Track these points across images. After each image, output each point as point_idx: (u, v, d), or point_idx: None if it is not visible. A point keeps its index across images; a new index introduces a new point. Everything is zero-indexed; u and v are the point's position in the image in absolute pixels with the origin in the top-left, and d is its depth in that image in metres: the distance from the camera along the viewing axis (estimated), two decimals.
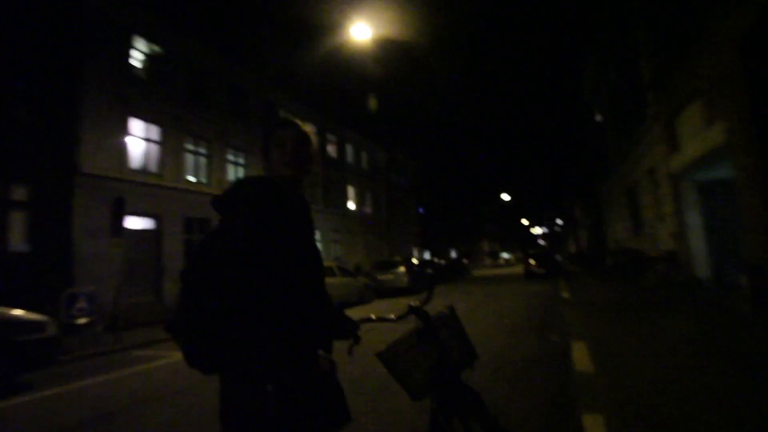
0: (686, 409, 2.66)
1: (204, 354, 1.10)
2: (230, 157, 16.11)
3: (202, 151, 14.90)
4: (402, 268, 15.95)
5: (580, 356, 4.26)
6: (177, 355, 6.32)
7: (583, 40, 21.12)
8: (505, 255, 55.91)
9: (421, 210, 37.93)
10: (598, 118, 20.50)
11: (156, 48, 13.47)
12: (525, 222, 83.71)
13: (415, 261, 19.16)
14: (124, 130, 11.92)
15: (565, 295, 10.72)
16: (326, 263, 10.32)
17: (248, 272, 1.08)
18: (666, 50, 9.11)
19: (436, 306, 1.74)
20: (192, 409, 3.65)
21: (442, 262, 20.64)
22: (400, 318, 1.69)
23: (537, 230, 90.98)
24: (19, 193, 10.54)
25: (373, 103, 29.75)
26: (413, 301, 1.69)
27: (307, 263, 1.24)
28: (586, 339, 5.00)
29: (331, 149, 24.20)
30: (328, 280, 5.69)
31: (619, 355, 4.21)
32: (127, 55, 12.53)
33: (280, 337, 1.11)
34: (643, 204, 13.48)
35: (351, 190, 25.80)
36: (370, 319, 1.69)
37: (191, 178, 14.28)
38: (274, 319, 1.10)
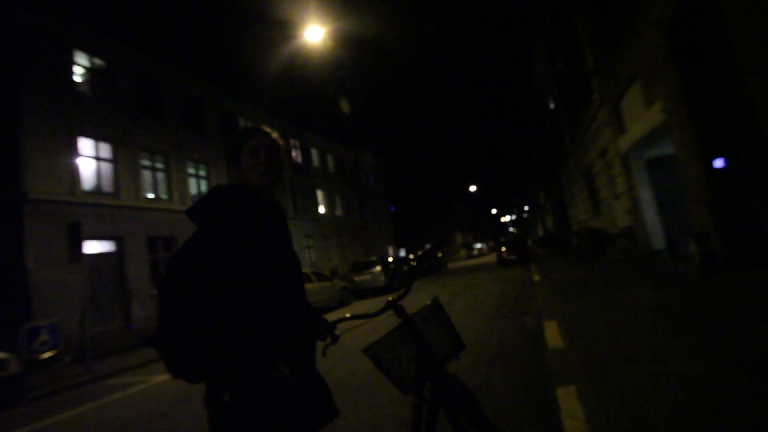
0: (649, 372, 2.87)
1: (189, 362, 1.10)
2: (190, 170, 15.62)
3: (159, 165, 14.36)
4: (378, 268, 16.02)
5: (552, 334, 4.47)
6: (152, 380, 6.10)
7: (530, 29, 21.92)
8: (478, 245, 57.15)
9: (392, 208, 38.18)
10: (552, 105, 21.36)
11: (98, 61, 12.85)
12: (494, 211, 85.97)
13: (390, 259, 19.30)
14: (72, 150, 11.31)
15: (537, 277, 11.14)
16: (302, 269, 10.20)
17: (226, 279, 1.09)
18: (604, 36, 9.64)
19: (424, 299, 1.79)
20: None
21: (416, 254, 20.75)
22: (377, 314, 1.70)
23: (506, 218, 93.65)
24: None
25: (335, 104, 29.64)
26: (390, 297, 1.72)
27: (285, 268, 1.24)
28: (557, 317, 5.25)
29: (296, 155, 23.93)
30: (306, 286, 5.65)
31: (588, 329, 4.45)
32: (68, 71, 11.88)
33: (243, 346, 1.10)
34: (599, 184, 14.20)
35: (320, 194, 25.62)
36: (345, 318, 1.71)
37: (150, 195, 13.74)
38: (241, 327, 1.10)
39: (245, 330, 1.10)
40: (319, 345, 1.44)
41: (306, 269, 13.37)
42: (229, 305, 1.09)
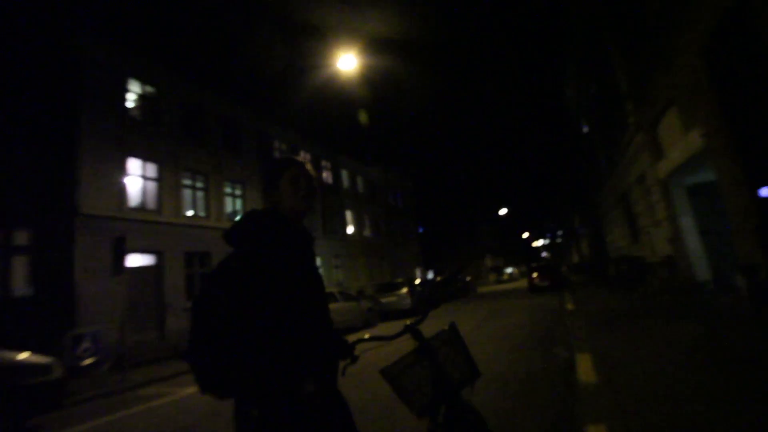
0: (690, 415, 2.69)
1: (218, 377, 1.16)
2: (227, 189, 16.33)
3: (199, 185, 15.13)
4: (404, 290, 15.90)
5: (585, 368, 4.27)
6: (182, 392, 6.28)
7: (562, 53, 21.79)
8: (508, 270, 55.59)
9: (420, 230, 38.02)
10: (585, 129, 20.92)
11: (149, 89, 13.90)
12: (526, 235, 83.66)
13: (417, 281, 19.11)
14: (122, 170, 12.16)
15: (570, 306, 10.69)
16: (328, 289, 10.36)
17: (256, 299, 1.18)
18: (639, 60, 9.45)
19: (442, 324, 1.82)
20: None
21: (437, 278, 20.47)
22: (394, 337, 1.75)
23: (539, 243, 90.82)
24: (21, 238, 10.64)
25: (365, 125, 30.32)
26: (408, 321, 1.76)
27: (311, 290, 1.34)
28: (590, 350, 5.02)
29: (327, 176, 24.50)
30: (331, 305, 5.73)
31: (623, 364, 4.23)
32: (123, 98, 12.91)
33: (270, 362, 1.17)
34: (638, 211, 13.62)
35: (349, 215, 25.96)
36: (363, 339, 1.77)
37: (189, 213, 14.43)
38: (267, 345, 1.17)
39: (273, 348, 1.17)
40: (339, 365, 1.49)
41: (333, 289, 13.48)
42: (258, 324, 1.17)
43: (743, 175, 5.74)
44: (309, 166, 1.48)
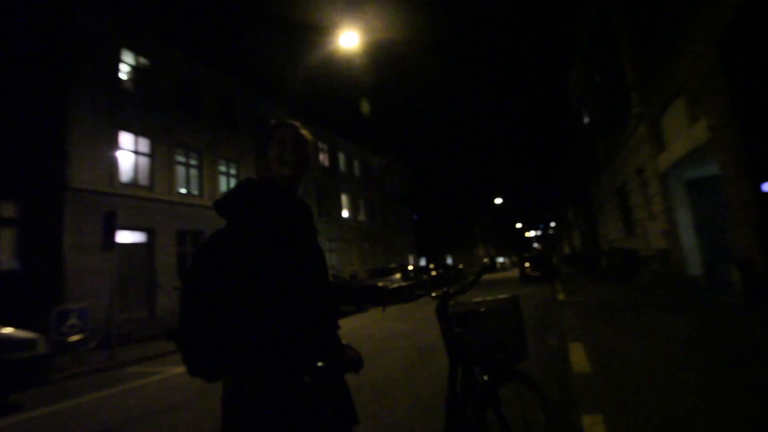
0: (685, 406, 2.67)
1: (209, 359, 1.08)
2: (222, 168, 16.05)
3: (193, 162, 14.83)
4: (398, 275, 15.91)
5: (578, 357, 4.26)
6: (171, 371, 6.22)
7: (567, 43, 21.49)
8: (500, 259, 55.99)
9: (415, 217, 37.99)
10: (586, 119, 20.78)
11: (144, 60, 13.45)
12: (519, 225, 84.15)
13: (410, 267, 19.14)
14: (113, 144, 11.83)
15: (562, 296, 10.75)
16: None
17: (256, 271, 1.07)
18: (647, 50, 9.28)
19: (531, 293, 1.87)
20: (188, 426, 3.59)
21: (432, 273, 20.55)
22: (420, 296, 1.86)
23: (531, 233, 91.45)
24: (8, 210, 10.38)
25: (364, 110, 29.94)
26: (447, 289, 1.84)
27: (311, 264, 1.23)
28: (583, 340, 5.01)
29: (324, 158, 24.23)
30: None
31: (616, 354, 4.22)
32: (116, 69, 12.49)
33: (263, 346, 1.06)
34: (634, 203, 13.63)
35: (345, 199, 25.80)
36: (401, 288, 1.89)
37: (182, 190, 14.18)
38: (263, 326, 1.06)
39: (270, 329, 1.06)
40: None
41: None
42: (252, 303, 1.05)
43: (747, 169, 5.69)
44: (304, 131, 1.34)
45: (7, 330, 4.71)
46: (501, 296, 1.86)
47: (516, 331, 1.78)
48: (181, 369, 6.11)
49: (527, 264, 20.74)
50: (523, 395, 1.78)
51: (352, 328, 8.77)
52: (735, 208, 6.37)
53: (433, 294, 1.86)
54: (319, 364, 1.09)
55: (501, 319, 1.79)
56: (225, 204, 1.21)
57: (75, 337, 7.03)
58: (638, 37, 10.02)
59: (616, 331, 5.46)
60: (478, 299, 1.87)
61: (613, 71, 12.81)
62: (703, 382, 3.08)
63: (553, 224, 72.01)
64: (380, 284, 14.74)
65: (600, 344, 4.71)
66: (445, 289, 1.82)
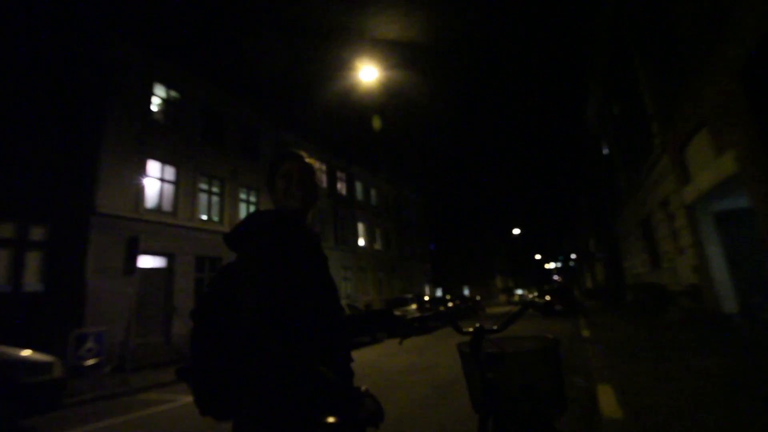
0: None
1: (219, 398, 1.05)
2: (242, 196, 16.42)
3: (215, 190, 15.24)
4: (414, 306, 15.60)
5: (607, 400, 3.99)
6: (183, 399, 6.11)
7: (585, 73, 21.63)
8: (519, 291, 54.53)
9: (432, 246, 37.67)
10: (605, 150, 20.56)
11: (174, 93, 14.17)
12: (538, 257, 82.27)
13: (426, 298, 18.78)
14: (141, 171, 12.30)
15: (586, 333, 10.27)
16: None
17: (265, 304, 1.04)
18: (667, 80, 9.22)
19: (553, 330, 1.73)
20: None
21: (449, 304, 20.01)
22: (441, 324, 1.72)
23: (551, 265, 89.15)
24: (36, 233, 10.76)
25: (382, 139, 30.49)
26: (481, 324, 1.67)
27: (322, 290, 1.21)
28: (611, 381, 4.71)
29: (341, 186, 24.54)
30: None
31: (648, 398, 3.93)
32: (148, 101, 13.17)
33: (278, 386, 1.02)
34: (660, 236, 13.16)
35: (361, 227, 25.85)
36: (419, 318, 1.77)
37: (204, 217, 14.50)
38: (275, 364, 1.02)
39: (281, 367, 1.01)
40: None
41: (341, 301, 13.25)
42: (257, 337, 1.02)
43: None
44: (308, 160, 1.33)
45: (26, 353, 4.75)
46: (534, 336, 1.69)
47: (556, 379, 1.57)
48: (191, 398, 6.01)
49: (548, 297, 20.04)
50: None
51: (366, 360, 8.52)
52: None
53: (465, 330, 1.65)
54: (330, 420, 1.01)
55: (538, 364, 1.57)
56: (233, 237, 1.21)
57: (91, 361, 7.04)
58: (657, 67, 10.00)
59: (648, 371, 5.12)
60: (510, 337, 1.69)
61: (633, 102, 12.74)
62: (743, 427, 2.81)
63: (573, 256, 70.15)
64: (397, 313, 14.45)
65: (630, 386, 4.42)
66: (478, 325, 1.62)
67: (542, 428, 1.55)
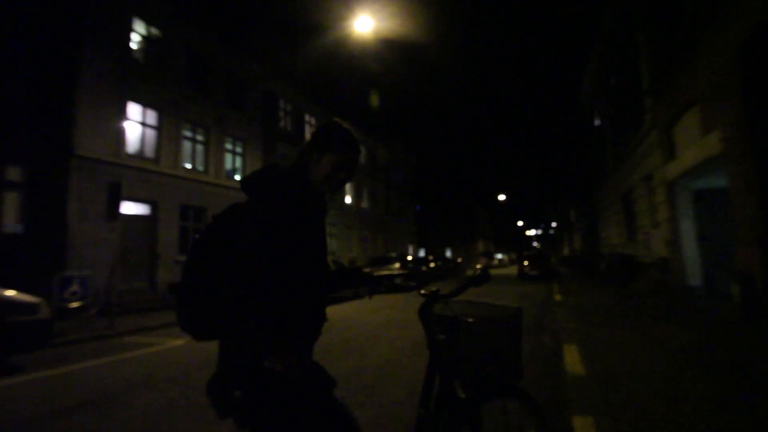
0: (674, 413, 2.70)
1: (202, 317, 1.14)
2: (228, 146, 16.00)
3: (200, 138, 14.78)
4: (397, 265, 16.00)
5: (572, 359, 4.29)
6: (171, 343, 6.31)
7: (584, 44, 21.14)
8: (499, 255, 56.12)
9: (418, 207, 37.96)
10: (597, 121, 20.56)
11: (155, 31, 13.29)
12: (520, 223, 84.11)
13: (410, 258, 19.22)
14: (121, 114, 11.78)
15: (558, 297, 10.80)
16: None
17: (264, 249, 1.10)
18: (666, 56, 9.13)
19: (528, 292, 1.70)
20: (186, 397, 3.66)
21: (431, 264, 20.36)
22: (410, 289, 1.71)
23: (532, 232, 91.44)
24: (14, 174, 10.41)
25: (373, 98, 29.67)
26: (438, 288, 1.67)
27: (316, 257, 1.28)
28: (578, 342, 5.05)
29: None
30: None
31: (611, 359, 4.26)
32: (127, 38, 12.34)
33: (242, 323, 1.06)
34: (638, 210, 13.58)
35: (348, 185, 25.70)
36: (384, 277, 1.75)
37: (188, 165, 14.17)
38: (259, 298, 1.07)
39: (263, 302, 1.07)
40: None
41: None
42: (255, 273, 1.08)
43: (758, 184, 5.64)
44: (360, 156, 1.38)
45: (11, 293, 4.77)
46: (500, 304, 1.65)
47: (512, 348, 1.56)
48: (180, 342, 6.20)
49: (526, 262, 20.80)
50: (510, 413, 1.57)
51: (345, 314, 8.85)
52: (741, 222, 6.34)
53: (422, 291, 1.67)
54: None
55: (497, 332, 1.56)
56: (249, 182, 1.25)
57: (76, 304, 7.12)
58: (657, 42, 9.85)
59: (612, 335, 5.49)
60: (476, 302, 1.68)
61: (629, 75, 12.62)
62: (695, 392, 3.11)
63: (554, 224, 71.91)
64: (366, 270, 14.84)
65: (595, 347, 4.75)
66: (434, 289, 1.65)
67: (505, 389, 1.59)
